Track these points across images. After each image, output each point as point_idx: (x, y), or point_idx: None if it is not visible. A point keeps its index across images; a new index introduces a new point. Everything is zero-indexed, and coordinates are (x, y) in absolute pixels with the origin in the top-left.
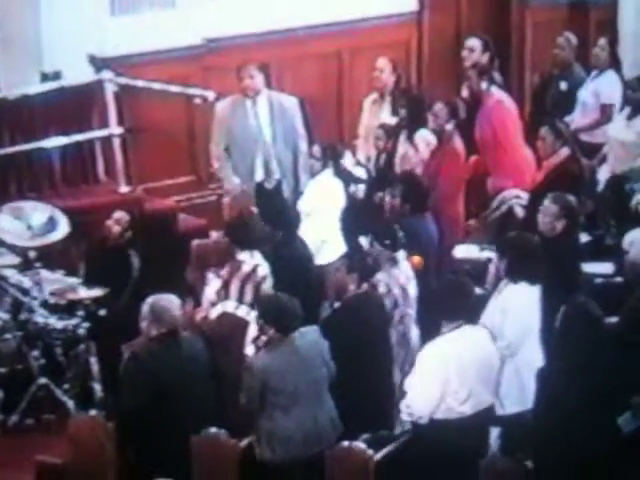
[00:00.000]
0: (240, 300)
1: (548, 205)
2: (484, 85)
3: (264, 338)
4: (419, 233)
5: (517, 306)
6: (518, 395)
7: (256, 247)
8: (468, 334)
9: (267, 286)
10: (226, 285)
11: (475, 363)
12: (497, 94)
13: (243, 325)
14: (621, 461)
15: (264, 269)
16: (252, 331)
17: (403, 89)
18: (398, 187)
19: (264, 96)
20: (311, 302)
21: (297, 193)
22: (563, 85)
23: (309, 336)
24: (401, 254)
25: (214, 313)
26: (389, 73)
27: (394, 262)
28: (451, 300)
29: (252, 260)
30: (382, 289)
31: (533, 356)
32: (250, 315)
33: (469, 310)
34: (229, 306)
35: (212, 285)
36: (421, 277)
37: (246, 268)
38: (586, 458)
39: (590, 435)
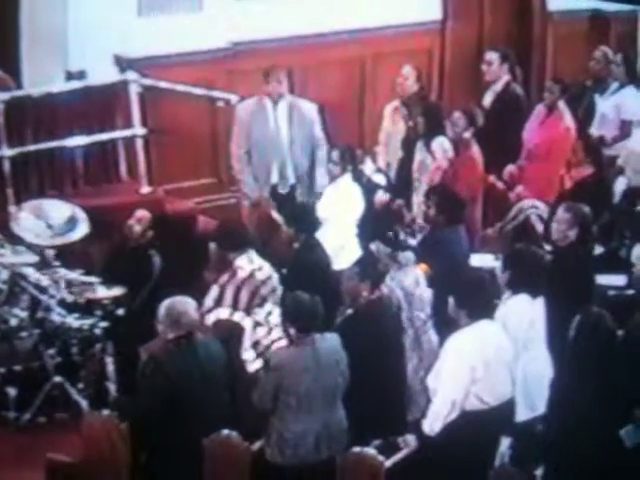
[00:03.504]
0: (235, 306)
1: (561, 214)
2: (561, 102)
3: (265, 343)
4: (452, 244)
5: (517, 318)
6: (525, 402)
7: (247, 248)
8: (487, 327)
9: (267, 289)
10: (222, 292)
11: (497, 353)
12: (564, 109)
13: (238, 330)
14: (627, 473)
15: (265, 272)
16: (247, 336)
17: (420, 97)
18: (433, 197)
19: (285, 100)
20: (329, 306)
21: (314, 198)
22: (597, 98)
23: (331, 342)
24: (406, 257)
25: (209, 320)
26: (413, 81)
27: (399, 266)
28: (474, 297)
29: (250, 265)
30: (384, 291)
31: (539, 364)
32: (245, 321)
33: (490, 307)
34: (223, 313)
35: (211, 293)
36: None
37: (242, 274)
38: (596, 467)
39: (601, 444)
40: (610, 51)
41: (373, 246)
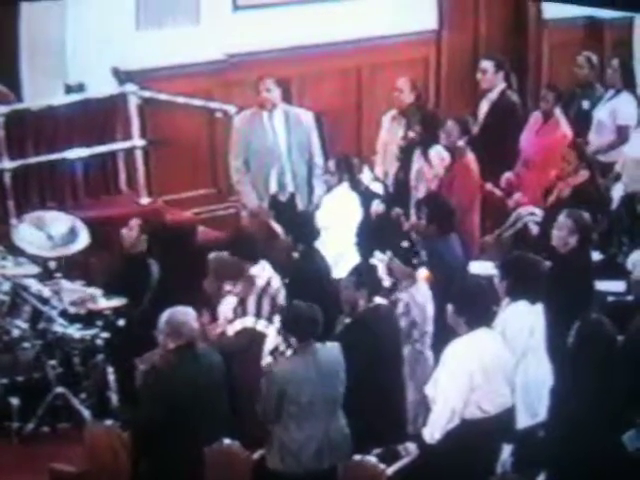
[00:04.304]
0: (258, 314)
1: (562, 220)
2: (557, 109)
3: (282, 349)
4: (444, 254)
5: (516, 326)
6: (525, 409)
7: (262, 257)
8: (485, 335)
9: (281, 297)
10: (242, 301)
11: (496, 361)
12: (560, 116)
13: (260, 338)
14: (629, 478)
15: (277, 281)
16: (270, 343)
17: (417, 105)
18: (423, 208)
19: (280, 110)
20: (330, 315)
21: (312, 206)
22: (585, 104)
23: (332, 351)
24: (420, 273)
25: (232, 329)
26: (408, 92)
27: (413, 281)
28: (473, 305)
29: (264, 273)
30: (401, 309)
31: (539, 371)
32: (268, 328)
33: (489, 315)
34: (248, 321)
35: (227, 302)
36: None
37: (260, 282)
38: (597, 474)
39: (602, 451)
40: (594, 56)
41: (377, 255)
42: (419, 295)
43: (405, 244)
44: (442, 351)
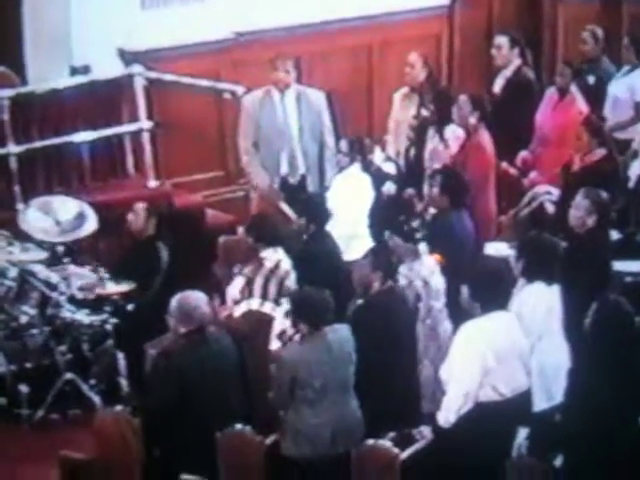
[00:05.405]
0: (264, 297)
1: (580, 200)
2: (573, 86)
3: (290, 332)
4: (455, 228)
5: (532, 307)
6: (542, 391)
7: (279, 244)
8: (498, 317)
9: (291, 280)
10: (250, 283)
11: (510, 344)
12: (576, 93)
13: (268, 321)
14: None
15: (287, 264)
16: (277, 327)
17: (431, 83)
18: (438, 179)
19: (292, 90)
20: (340, 298)
21: (323, 188)
22: (590, 79)
23: (341, 333)
24: (422, 247)
25: (239, 311)
26: (420, 68)
27: (416, 255)
28: (490, 291)
29: (275, 255)
30: (403, 282)
31: (556, 353)
32: (275, 311)
33: (505, 299)
34: (254, 303)
35: (236, 283)
36: (454, 273)
37: (269, 264)
38: (616, 456)
39: (620, 433)
40: (599, 30)
41: (389, 239)
42: (423, 268)
43: (403, 219)
44: (457, 326)
